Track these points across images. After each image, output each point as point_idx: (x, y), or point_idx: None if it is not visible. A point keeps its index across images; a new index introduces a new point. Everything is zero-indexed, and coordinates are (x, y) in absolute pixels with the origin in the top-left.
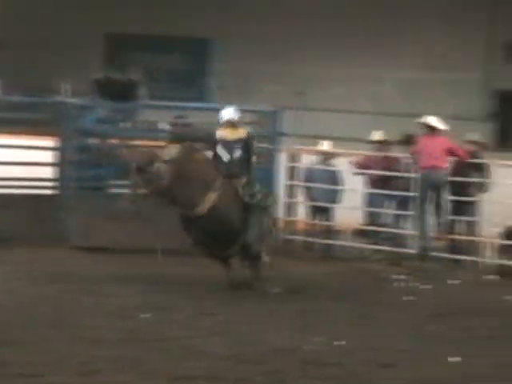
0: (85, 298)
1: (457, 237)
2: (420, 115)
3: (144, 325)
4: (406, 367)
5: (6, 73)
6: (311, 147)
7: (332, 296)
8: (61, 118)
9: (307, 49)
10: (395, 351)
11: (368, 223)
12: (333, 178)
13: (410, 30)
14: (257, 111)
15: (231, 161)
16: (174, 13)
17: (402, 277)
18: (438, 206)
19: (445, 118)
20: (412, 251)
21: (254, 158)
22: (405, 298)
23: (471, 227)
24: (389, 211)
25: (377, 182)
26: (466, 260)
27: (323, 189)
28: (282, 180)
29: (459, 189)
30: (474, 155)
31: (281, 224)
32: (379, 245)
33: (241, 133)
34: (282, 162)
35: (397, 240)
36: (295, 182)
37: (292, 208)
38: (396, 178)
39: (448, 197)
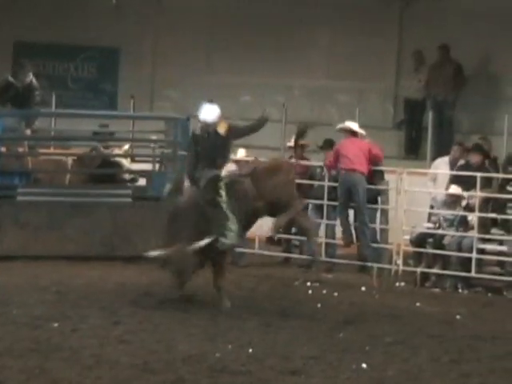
0: None
1: (366, 244)
2: (330, 124)
3: (52, 334)
4: (315, 374)
5: None
6: None
7: (242, 304)
8: None
9: (216, 57)
10: (304, 358)
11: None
12: None
13: (320, 38)
14: (164, 118)
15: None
16: (84, 22)
17: (312, 284)
18: (357, 209)
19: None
20: (323, 258)
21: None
22: (315, 306)
23: (381, 234)
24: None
25: None
26: (376, 267)
27: None
28: None
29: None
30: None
31: None
32: (290, 252)
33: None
34: None
35: (308, 247)
36: None
37: None
38: (310, 185)
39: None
